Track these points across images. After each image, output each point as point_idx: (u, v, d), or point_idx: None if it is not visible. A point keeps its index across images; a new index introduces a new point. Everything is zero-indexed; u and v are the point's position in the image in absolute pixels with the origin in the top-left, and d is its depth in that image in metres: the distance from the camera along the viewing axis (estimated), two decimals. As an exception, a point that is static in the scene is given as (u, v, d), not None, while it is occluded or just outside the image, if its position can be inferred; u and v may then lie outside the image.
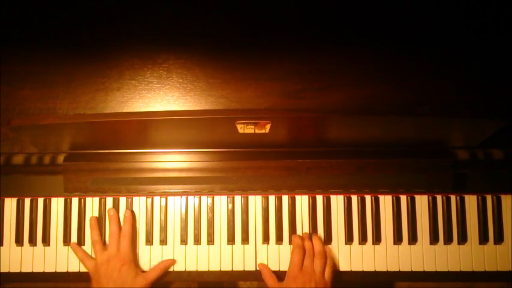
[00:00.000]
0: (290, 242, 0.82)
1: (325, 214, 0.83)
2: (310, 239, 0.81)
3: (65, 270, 0.83)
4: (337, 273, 0.81)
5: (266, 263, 0.82)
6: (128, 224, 0.81)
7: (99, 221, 0.83)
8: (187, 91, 0.73)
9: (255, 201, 0.84)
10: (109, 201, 0.84)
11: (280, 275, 0.79)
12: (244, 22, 0.74)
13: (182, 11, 0.74)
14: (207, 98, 0.73)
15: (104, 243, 0.82)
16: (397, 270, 0.82)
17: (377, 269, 0.82)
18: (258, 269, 0.81)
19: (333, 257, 0.82)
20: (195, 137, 0.71)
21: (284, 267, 0.81)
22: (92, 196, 0.84)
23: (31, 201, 0.84)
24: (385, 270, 0.82)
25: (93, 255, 0.82)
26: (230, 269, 0.82)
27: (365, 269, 0.82)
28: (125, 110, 0.72)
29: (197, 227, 0.83)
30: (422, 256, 0.82)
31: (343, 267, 0.82)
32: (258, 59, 0.73)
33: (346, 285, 0.81)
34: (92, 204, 0.84)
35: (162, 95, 0.73)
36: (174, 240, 0.83)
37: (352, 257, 0.82)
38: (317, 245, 0.79)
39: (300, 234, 0.82)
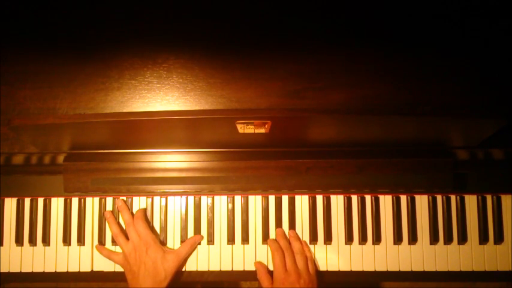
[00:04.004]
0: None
1: (325, 214, 0.83)
2: (285, 237, 0.81)
3: (65, 270, 0.83)
4: (320, 273, 0.81)
5: (266, 263, 0.82)
6: (136, 211, 0.82)
7: (101, 219, 0.83)
8: (187, 91, 0.73)
9: (255, 201, 0.84)
10: (109, 201, 0.84)
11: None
12: (244, 22, 0.74)
13: (182, 11, 0.74)
14: (207, 98, 0.72)
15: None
16: (397, 270, 0.82)
17: (377, 269, 0.82)
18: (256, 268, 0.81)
19: (314, 253, 0.82)
20: (195, 137, 0.71)
21: (284, 267, 0.80)
22: (92, 196, 0.84)
23: (31, 201, 0.84)
24: (385, 270, 0.82)
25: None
26: (230, 269, 0.82)
27: (365, 269, 0.82)
28: (125, 110, 0.72)
29: (197, 227, 0.83)
30: (422, 256, 0.82)
31: (343, 267, 0.82)
32: (257, 59, 0.73)
33: (333, 286, 0.81)
34: (92, 204, 0.84)
35: (162, 95, 0.73)
36: (174, 240, 0.83)
37: (352, 257, 0.82)
38: (295, 244, 0.80)
39: (300, 234, 0.83)
